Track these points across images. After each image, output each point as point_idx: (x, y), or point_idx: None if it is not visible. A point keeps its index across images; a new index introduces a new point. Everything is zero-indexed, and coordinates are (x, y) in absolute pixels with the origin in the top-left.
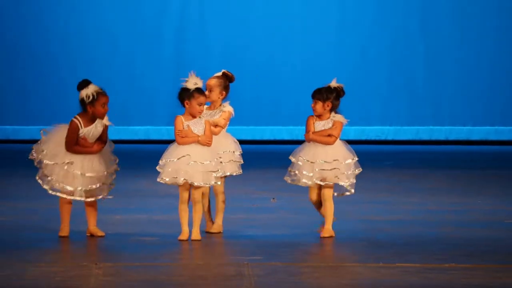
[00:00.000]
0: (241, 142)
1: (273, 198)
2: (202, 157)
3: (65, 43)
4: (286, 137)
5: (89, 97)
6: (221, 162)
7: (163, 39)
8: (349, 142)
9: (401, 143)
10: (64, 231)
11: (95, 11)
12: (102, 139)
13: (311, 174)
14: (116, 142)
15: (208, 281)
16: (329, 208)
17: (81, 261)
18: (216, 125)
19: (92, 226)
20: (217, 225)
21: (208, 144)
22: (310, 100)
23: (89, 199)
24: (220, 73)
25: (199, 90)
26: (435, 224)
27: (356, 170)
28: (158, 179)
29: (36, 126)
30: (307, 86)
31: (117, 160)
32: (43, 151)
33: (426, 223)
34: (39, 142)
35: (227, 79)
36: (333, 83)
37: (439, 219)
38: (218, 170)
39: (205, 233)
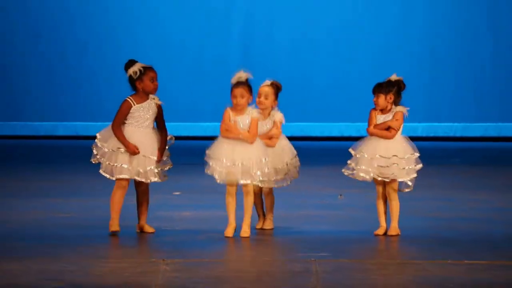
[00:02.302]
0: (310, 139)
1: (340, 195)
2: (240, 156)
3: (132, 43)
4: (354, 133)
5: (136, 72)
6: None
7: (230, 38)
8: (417, 138)
9: (469, 140)
10: (114, 225)
11: (161, 13)
12: (159, 125)
13: (370, 169)
14: (185, 138)
15: (275, 277)
16: (394, 206)
17: (149, 257)
18: (271, 137)
19: (143, 222)
20: (269, 222)
21: (250, 142)
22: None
23: (149, 180)
24: (269, 82)
25: (236, 84)
26: (503, 221)
27: (417, 166)
28: (205, 170)
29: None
30: (374, 84)
31: (173, 139)
32: (103, 146)
33: (494, 220)
34: (96, 143)
35: (276, 88)
36: (393, 77)
37: (507, 216)
38: (257, 173)
39: (255, 229)
